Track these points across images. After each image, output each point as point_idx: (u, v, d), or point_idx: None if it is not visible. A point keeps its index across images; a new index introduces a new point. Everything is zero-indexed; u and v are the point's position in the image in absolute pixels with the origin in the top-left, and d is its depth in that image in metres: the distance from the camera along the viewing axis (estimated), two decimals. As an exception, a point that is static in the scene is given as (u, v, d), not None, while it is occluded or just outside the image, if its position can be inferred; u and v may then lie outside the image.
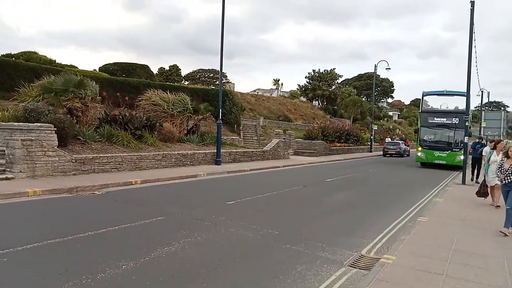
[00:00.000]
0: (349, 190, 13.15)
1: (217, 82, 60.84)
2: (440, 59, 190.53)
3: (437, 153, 22.83)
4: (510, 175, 7.58)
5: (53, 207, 8.27)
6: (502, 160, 7.98)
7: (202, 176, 14.19)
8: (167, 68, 63.95)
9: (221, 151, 17.71)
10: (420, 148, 23.69)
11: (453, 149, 22.29)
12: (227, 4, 17.13)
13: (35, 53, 30.22)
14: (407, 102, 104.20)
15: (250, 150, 21.17)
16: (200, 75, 74.67)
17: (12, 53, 29.69)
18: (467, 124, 17.42)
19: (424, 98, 24.57)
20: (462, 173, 16.12)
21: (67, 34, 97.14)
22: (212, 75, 73.06)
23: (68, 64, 33.55)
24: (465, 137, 17.23)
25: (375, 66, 39.45)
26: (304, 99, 65.39)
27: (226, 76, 68.77)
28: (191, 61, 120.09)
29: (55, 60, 29.82)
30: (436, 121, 23.28)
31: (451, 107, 23.50)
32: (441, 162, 22.68)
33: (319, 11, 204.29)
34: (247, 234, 6.76)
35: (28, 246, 5.37)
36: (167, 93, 20.58)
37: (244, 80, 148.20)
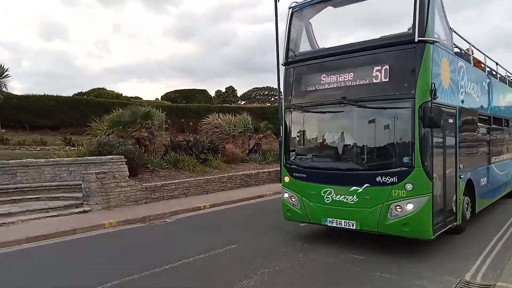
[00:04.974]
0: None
1: (273, 99, 61.02)
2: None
3: (330, 196, 6.48)
4: None
5: (127, 239, 8.35)
6: None
7: (268, 196, 13.84)
8: (223, 90, 65.63)
9: (285, 168, 17.22)
10: (287, 179, 7.36)
11: (383, 177, 5.93)
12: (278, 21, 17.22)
13: (103, 89, 32.54)
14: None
15: (314, 165, 20.43)
16: (255, 94, 75.56)
17: (83, 91, 32.24)
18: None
19: (294, 19, 7.39)
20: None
21: (128, 68, 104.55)
22: (267, 92, 73.55)
23: (133, 96, 35.70)
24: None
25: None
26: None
27: (281, 92, 68.76)
28: (245, 81, 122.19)
29: (121, 94, 31.89)
30: (324, 86, 6.83)
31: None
32: (344, 224, 6.39)
33: None
34: (327, 259, 6.20)
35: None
36: (226, 115, 20.86)
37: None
